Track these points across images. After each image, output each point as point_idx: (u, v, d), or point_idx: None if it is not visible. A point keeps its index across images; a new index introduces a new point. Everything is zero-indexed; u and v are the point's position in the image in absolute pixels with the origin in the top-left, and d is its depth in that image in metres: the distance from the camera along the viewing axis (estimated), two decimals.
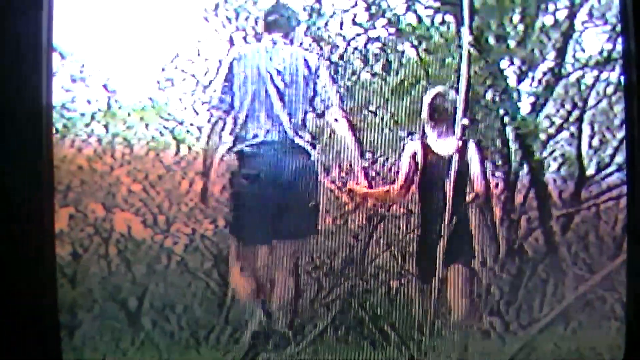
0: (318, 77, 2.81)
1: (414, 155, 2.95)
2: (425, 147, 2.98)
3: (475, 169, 2.94)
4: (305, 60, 2.86)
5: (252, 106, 2.79)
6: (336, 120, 2.80)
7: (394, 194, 2.86)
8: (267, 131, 2.78)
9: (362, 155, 2.83)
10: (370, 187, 2.88)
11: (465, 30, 2.93)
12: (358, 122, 2.87)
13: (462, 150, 2.92)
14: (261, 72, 2.81)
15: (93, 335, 2.94)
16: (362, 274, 3.03)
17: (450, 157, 2.98)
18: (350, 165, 2.81)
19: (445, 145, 2.99)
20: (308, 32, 2.98)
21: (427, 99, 2.93)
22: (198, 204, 2.98)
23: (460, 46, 2.98)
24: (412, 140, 2.93)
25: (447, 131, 2.97)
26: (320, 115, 2.84)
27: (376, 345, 3.02)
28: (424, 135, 2.97)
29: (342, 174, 3.01)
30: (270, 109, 2.78)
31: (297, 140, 2.82)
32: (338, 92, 2.87)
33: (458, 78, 2.94)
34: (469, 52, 2.92)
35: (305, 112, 2.87)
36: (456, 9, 2.96)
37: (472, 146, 2.95)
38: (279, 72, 2.78)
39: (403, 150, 2.93)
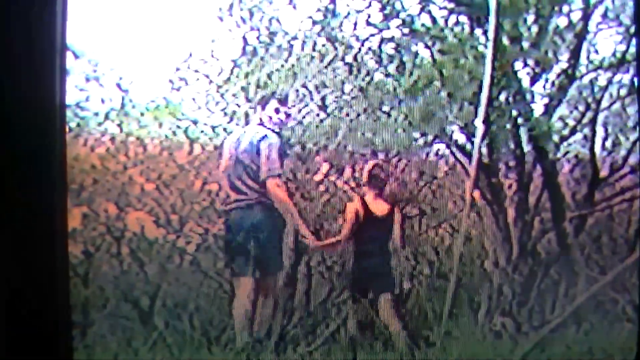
0: (259, 151, 2.97)
1: (356, 212, 3.02)
2: (364, 205, 3.04)
3: (397, 229, 3.05)
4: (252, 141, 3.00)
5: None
6: (270, 190, 2.98)
7: (341, 244, 3.03)
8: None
9: (301, 215, 2.99)
10: (318, 239, 3.02)
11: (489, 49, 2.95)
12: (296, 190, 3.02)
13: (390, 214, 3.04)
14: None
15: (105, 334, 2.93)
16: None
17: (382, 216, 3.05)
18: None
19: (378, 206, 3.05)
20: (322, 32, 2.99)
21: (367, 167, 3.03)
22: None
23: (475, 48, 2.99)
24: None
25: (380, 195, 3.04)
26: (263, 183, 2.97)
27: (387, 345, 3.01)
28: (363, 195, 3.04)
29: (356, 175, 3.03)
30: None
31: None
32: (281, 164, 2.98)
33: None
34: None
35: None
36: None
37: (397, 211, 3.04)
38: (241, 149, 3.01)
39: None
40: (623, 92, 3.06)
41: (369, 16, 2.99)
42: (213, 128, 2.98)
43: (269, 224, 2.99)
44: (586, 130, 3.09)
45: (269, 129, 2.98)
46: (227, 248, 2.99)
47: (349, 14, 2.99)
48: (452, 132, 3.07)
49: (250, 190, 2.97)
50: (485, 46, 3.02)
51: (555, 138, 3.07)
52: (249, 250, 2.95)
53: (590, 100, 3.08)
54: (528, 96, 3.06)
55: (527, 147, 3.07)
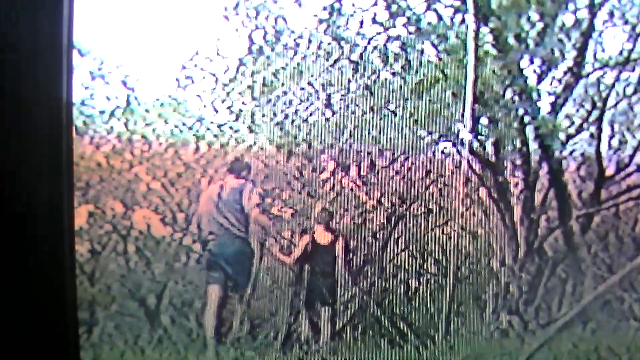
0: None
1: (306, 243, 3.08)
2: (313, 237, 3.09)
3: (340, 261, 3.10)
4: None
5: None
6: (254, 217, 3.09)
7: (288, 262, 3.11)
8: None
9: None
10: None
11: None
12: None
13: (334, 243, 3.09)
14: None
15: (111, 332, 2.94)
16: (381, 273, 3.03)
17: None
18: None
19: (325, 237, 3.09)
20: (328, 30, 2.99)
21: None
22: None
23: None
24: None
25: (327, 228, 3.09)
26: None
27: (394, 344, 3.01)
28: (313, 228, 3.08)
29: (361, 173, 3.03)
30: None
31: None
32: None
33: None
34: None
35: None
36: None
37: (340, 242, 3.08)
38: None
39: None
40: (629, 90, 3.05)
41: (374, 14, 2.99)
42: (219, 126, 2.98)
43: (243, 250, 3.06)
44: (592, 129, 3.08)
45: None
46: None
47: (354, 12, 2.99)
48: (459, 130, 3.07)
49: (234, 224, 3.05)
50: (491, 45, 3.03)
51: (562, 136, 3.07)
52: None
53: (596, 98, 3.07)
54: (534, 94, 3.06)
55: (533, 146, 3.07)
